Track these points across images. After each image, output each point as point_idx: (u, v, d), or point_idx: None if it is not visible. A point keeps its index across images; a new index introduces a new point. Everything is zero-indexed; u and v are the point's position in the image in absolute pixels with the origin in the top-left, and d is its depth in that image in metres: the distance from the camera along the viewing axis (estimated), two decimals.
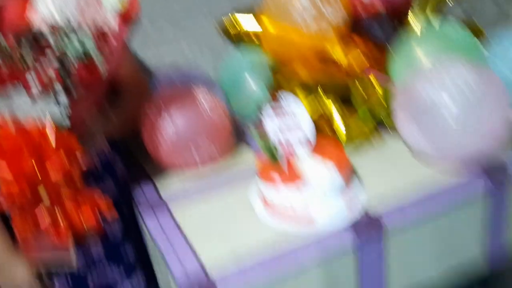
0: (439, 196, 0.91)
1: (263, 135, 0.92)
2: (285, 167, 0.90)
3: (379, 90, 1.14)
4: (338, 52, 1.27)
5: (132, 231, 1.08)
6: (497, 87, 0.94)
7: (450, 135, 0.92)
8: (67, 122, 0.84)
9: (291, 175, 0.88)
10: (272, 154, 0.91)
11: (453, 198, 0.92)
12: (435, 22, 1.28)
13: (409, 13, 1.36)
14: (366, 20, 1.32)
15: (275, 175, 0.88)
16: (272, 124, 0.92)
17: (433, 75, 0.95)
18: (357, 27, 1.31)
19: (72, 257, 0.91)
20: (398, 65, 1.16)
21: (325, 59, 1.26)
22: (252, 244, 0.83)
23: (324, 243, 0.82)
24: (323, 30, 1.17)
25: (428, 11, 1.35)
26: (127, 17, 0.92)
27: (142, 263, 1.13)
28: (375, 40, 1.34)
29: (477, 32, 1.32)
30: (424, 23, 1.30)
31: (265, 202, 0.91)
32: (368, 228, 0.84)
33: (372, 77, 1.16)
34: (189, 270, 0.79)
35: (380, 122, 1.13)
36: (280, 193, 0.86)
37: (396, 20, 1.36)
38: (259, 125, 0.93)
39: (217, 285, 0.75)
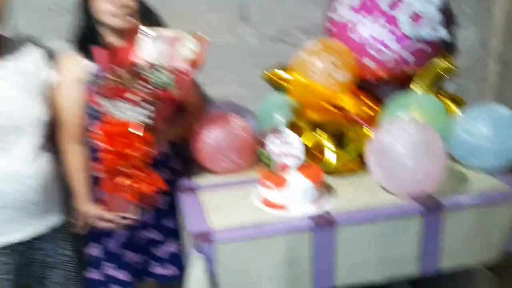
0: (383, 209, 1.31)
1: (266, 152, 1.38)
2: (277, 175, 1.34)
3: (366, 135, 1.56)
4: (343, 102, 1.72)
5: (174, 206, 1.57)
6: (437, 142, 1.33)
7: (399, 174, 1.32)
8: (149, 124, 1.35)
9: (279, 181, 1.32)
10: (268, 165, 1.36)
11: (394, 213, 1.31)
12: (424, 92, 1.69)
13: (412, 81, 1.78)
14: (370, 81, 1.75)
15: (267, 181, 1.33)
16: (273, 146, 1.38)
17: (392, 128, 1.36)
18: (363, 85, 1.75)
19: (135, 211, 1.41)
20: (383, 118, 1.57)
21: (334, 106, 1.72)
22: (245, 219, 1.28)
23: (291, 223, 1.25)
24: (334, 86, 1.60)
25: (426, 84, 1.76)
26: (195, 64, 1.42)
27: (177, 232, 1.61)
28: (375, 97, 1.77)
29: (460, 103, 1.70)
30: (418, 91, 1.71)
31: (260, 196, 1.36)
32: (323, 219, 1.26)
33: (363, 124, 1.58)
34: (199, 227, 1.25)
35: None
36: (270, 192, 1.31)
37: (394, 84, 1.78)
38: (265, 145, 1.39)
39: (213, 234, 1.21)
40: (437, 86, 1.80)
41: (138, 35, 1.44)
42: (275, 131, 1.42)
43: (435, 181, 1.34)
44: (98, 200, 1.48)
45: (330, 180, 1.49)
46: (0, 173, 1.34)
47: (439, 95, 1.73)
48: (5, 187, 1.34)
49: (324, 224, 1.26)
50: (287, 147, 1.39)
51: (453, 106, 1.67)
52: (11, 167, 1.35)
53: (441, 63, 1.76)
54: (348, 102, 1.75)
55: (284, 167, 1.37)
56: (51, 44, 1.63)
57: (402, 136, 1.31)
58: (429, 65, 1.75)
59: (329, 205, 1.35)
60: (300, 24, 1.91)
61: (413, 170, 1.29)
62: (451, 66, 1.75)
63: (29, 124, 1.39)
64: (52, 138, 1.51)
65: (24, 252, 1.43)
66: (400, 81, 1.80)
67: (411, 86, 1.79)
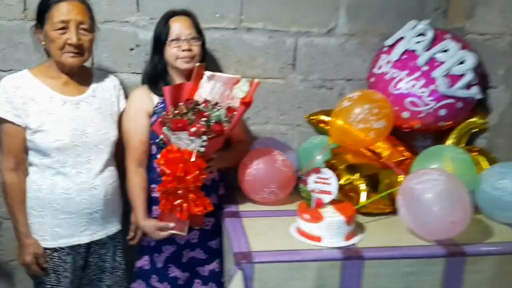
0: (409, 250, 1.44)
1: (306, 188, 1.54)
2: (314, 210, 1.50)
3: (398, 180, 1.69)
4: (380, 148, 1.87)
5: (218, 228, 1.74)
6: (463, 192, 1.45)
7: (425, 219, 1.44)
8: (203, 152, 1.54)
9: (315, 216, 1.47)
10: (308, 200, 1.52)
11: (419, 254, 1.43)
12: (457, 146, 1.82)
13: (446, 135, 1.91)
14: (406, 131, 1.90)
15: (305, 214, 1.48)
16: (313, 183, 1.54)
17: (422, 176, 1.49)
18: (400, 134, 1.90)
19: (185, 229, 1.59)
20: (415, 165, 1.71)
21: (371, 151, 1.87)
22: (282, 245, 1.43)
23: (323, 253, 1.40)
24: (371, 132, 1.76)
25: (459, 138, 1.90)
26: (246, 103, 1.61)
27: (220, 253, 1.78)
28: (410, 146, 1.91)
29: (490, 159, 1.82)
30: (450, 144, 1.84)
31: (297, 227, 1.51)
32: (352, 252, 1.40)
33: (395, 170, 1.72)
34: (242, 248, 1.42)
35: None
36: (306, 223, 1.47)
37: (429, 135, 1.92)
38: (306, 181, 1.56)
39: (253, 256, 1.36)
40: (469, 141, 1.93)
41: (201, 75, 1.67)
42: (316, 170, 1.59)
43: (459, 229, 1.45)
44: (152, 217, 1.68)
45: (361, 218, 1.64)
46: (74, 184, 1.56)
47: (471, 150, 1.86)
48: (75, 196, 1.56)
49: (353, 256, 1.40)
50: (324, 185, 1.55)
51: (483, 161, 1.79)
52: (84, 179, 1.57)
53: (474, 120, 1.90)
54: (384, 149, 1.91)
55: (320, 203, 1.52)
56: (128, 78, 1.89)
57: (431, 184, 1.45)
58: (463, 121, 1.90)
59: (359, 240, 1.48)
60: (344, 74, 2.09)
61: (439, 217, 1.41)
62: (483, 123, 1.89)
63: (105, 143, 1.62)
64: (116, 156, 1.73)
65: (84, 254, 1.64)
66: (435, 133, 1.95)
67: (447, 139, 1.93)
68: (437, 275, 1.45)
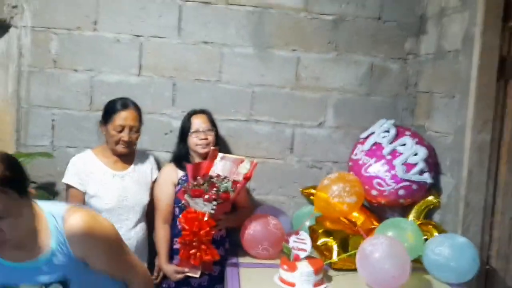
0: None
1: (288, 246, 2.04)
2: (292, 263, 1.99)
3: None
4: (355, 218, 2.37)
5: (223, 275, 2.24)
6: (404, 254, 1.92)
7: (374, 274, 1.91)
8: (213, 214, 2.08)
9: (292, 267, 1.96)
10: (288, 255, 2.02)
11: None
12: (414, 219, 2.30)
13: (411, 210, 2.40)
14: (375, 206, 2.40)
15: (284, 265, 1.98)
16: (292, 242, 2.05)
17: (373, 240, 1.97)
18: (372, 207, 2.40)
19: (198, 272, 2.11)
20: (376, 233, 2.19)
21: (348, 220, 2.37)
22: None
23: None
24: (344, 205, 2.26)
25: (417, 213, 2.38)
26: (247, 178, 2.17)
27: None
28: (378, 216, 2.40)
29: (440, 231, 2.27)
30: (408, 218, 2.32)
31: (279, 276, 2.00)
32: None
33: (363, 235, 2.20)
34: None
35: None
36: (285, 273, 1.96)
37: (395, 209, 2.41)
38: (287, 241, 2.07)
39: None
40: (428, 216, 2.41)
41: (215, 156, 2.26)
42: (295, 232, 2.10)
43: (400, 282, 1.90)
44: (174, 263, 2.22)
45: (333, 272, 2.11)
46: None
47: (427, 223, 2.33)
48: None
49: None
50: (301, 244, 2.06)
51: (433, 232, 2.25)
52: (122, 232, 2.12)
53: (430, 199, 2.39)
54: (359, 218, 2.41)
55: (297, 257, 2.02)
56: (162, 155, 2.50)
57: (378, 247, 1.92)
58: (421, 199, 2.39)
59: (325, 287, 1.96)
60: (331, 157, 2.65)
61: (383, 272, 1.88)
62: (436, 202, 2.37)
63: (140, 206, 2.20)
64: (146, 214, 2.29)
65: None
66: (400, 208, 2.44)
67: (409, 213, 2.41)
68: None
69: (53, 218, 1.34)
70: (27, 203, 1.29)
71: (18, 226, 1.25)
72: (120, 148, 2.15)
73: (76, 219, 1.33)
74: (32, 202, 1.32)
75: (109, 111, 2.16)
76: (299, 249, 2.05)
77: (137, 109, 2.21)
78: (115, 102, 2.18)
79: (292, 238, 2.09)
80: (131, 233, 2.17)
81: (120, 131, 2.13)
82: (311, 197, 2.58)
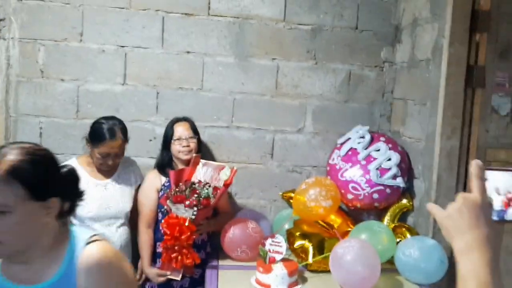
0: None
1: (264, 249, 2.13)
2: (267, 265, 2.08)
3: None
4: (333, 221, 2.46)
5: (204, 277, 2.33)
6: (374, 256, 2.01)
7: (345, 275, 2.00)
8: (194, 219, 2.17)
9: (267, 268, 2.05)
10: (264, 258, 2.11)
11: None
12: (388, 222, 2.40)
13: (386, 213, 2.49)
14: (351, 208, 2.49)
15: (260, 267, 2.07)
16: (268, 245, 2.14)
17: (345, 243, 2.07)
18: (350, 211, 2.49)
19: (179, 275, 2.19)
20: (351, 236, 2.28)
21: (326, 222, 2.46)
22: None
23: None
24: (320, 209, 2.36)
25: (391, 216, 2.47)
26: (227, 184, 2.26)
27: None
28: (356, 220, 2.49)
29: (413, 233, 2.36)
30: (383, 221, 2.42)
31: (255, 277, 2.09)
32: None
33: (339, 237, 2.29)
34: None
35: None
36: (260, 274, 2.05)
37: (370, 212, 2.50)
38: (264, 244, 2.16)
39: None
40: (401, 219, 2.50)
41: (197, 163, 2.34)
42: (272, 235, 2.19)
43: (370, 283, 2.00)
44: (156, 267, 2.31)
45: (307, 273, 2.20)
46: None
47: (401, 226, 2.42)
48: None
49: None
50: (277, 247, 2.15)
51: (406, 234, 2.34)
52: (106, 235, 2.22)
53: (404, 203, 2.48)
54: (335, 221, 2.51)
55: (273, 260, 2.11)
56: (146, 161, 2.59)
57: (349, 249, 2.02)
58: (395, 203, 2.48)
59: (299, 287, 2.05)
60: (310, 162, 2.74)
61: (353, 273, 1.97)
62: (410, 205, 2.46)
63: (122, 213, 2.29)
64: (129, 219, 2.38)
65: None
66: (375, 211, 2.53)
67: (384, 216, 2.51)
68: None
69: (75, 244, 1.21)
70: (41, 212, 1.15)
71: (17, 230, 1.11)
72: (103, 167, 2.25)
73: (95, 249, 1.19)
74: (57, 219, 1.19)
75: (97, 137, 2.20)
76: (275, 252, 2.15)
77: (124, 134, 2.26)
78: (103, 128, 2.20)
79: (268, 241, 2.18)
80: (115, 237, 2.25)
81: (105, 157, 2.21)
82: (291, 201, 2.67)
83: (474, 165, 0.80)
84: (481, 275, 0.72)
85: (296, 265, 2.12)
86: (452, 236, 0.79)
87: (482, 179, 0.79)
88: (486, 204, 0.79)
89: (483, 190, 0.79)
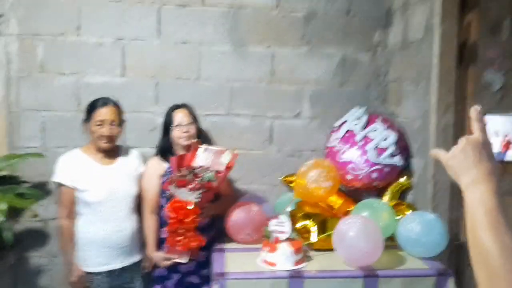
0: (337, 272, 2.04)
1: (268, 229, 2.18)
2: (272, 244, 2.13)
3: None
4: (333, 202, 2.51)
5: (209, 260, 2.37)
6: (377, 232, 2.06)
7: (349, 251, 2.05)
8: (198, 203, 2.21)
9: (273, 248, 2.10)
10: (269, 238, 2.16)
11: (344, 275, 2.03)
12: (388, 200, 2.45)
13: (385, 192, 2.54)
14: (350, 189, 2.54)
15: (265, 247, 2.11)
16: (272, 225, 2.19)
17: (347, 220, 2.12)
18: (347, 191, 2.54)
19: (186, 258, 2.24)
20: (352, 214, 2.33)
21: (327, 204, 2.51)
22: (248, 269, 2.06)
23: (277, 274, 2.01)
24: (321, 190, 2.40)
25: (391, 194, 2.52)
26: (229, 167, 2.31)
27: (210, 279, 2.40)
28: (353, 199, 2.54)
29: (413, 209, 2.42)
30: (382, 199, 2.47)
31: (261, 257, 2.14)
32: (296, 274, 2.01)
33: (340, 217, 2.34)
34: (220, 270, 2.05)
35: None
36: (266, 254, 2.10)
37: (370, 192, 2.56)
38: (268, 224, 2.20)
39: (227, 275, 1.99)
40: (401, 197, 2.55)
41: (197, 148, 2.39)
42: (275, 216, 2.24)
43: (373, 257, 2.05)
44: (161, 249, 2.35)
45: (312, 252, 2.25)
46: (110, 226, 2.25)
47: (401, 203, 2.48)
48: (112, 235, 2.26)
49: (295, 276, 2.01)
50: (281, 227, 2.19)
51: (406, 211, 2.40)
52: (116, 222, 2.26)
53: (403, 181, 2.53)
54: (336, 202, 2.56)
55: (277, 239, 2.16)
56: (148, 151, 2.63)
57: (352, 225, 2.07)
58: (394, 181, 2.53)
59: (304, 266, 2.10)
60: (309, 146, 2.79)
61: (357, 248, 2.02)
62: (408, 183, 2.52)
63: (128, 197, 2.33)
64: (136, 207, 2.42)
65: (115, 277, 2.30)
66: (375, 190, 2.59)
67: (384, 195, 2.56)
68: None
69: None
70: None
71: None
72: (102, 143, 2.27)
73: None
74: None
75: (90, 109, 2.28)
76: (279, 232, 2.19)
77: (117, 105, 2.33)
78: (96, 100, 2.30)
79: (273, 222, 2.23)
80: (125, 224, 2.30)
81: (100, 127, 2.25)
82: (291, 185, 2.72)
83: (473, 110, 0.87)
84: (488, 202, 0.79)
85: (300, 243, 2.17)
86: (458, 174, 0.86)
87: (481, 121, 0.86)
88: (487, 142, 0.86)
89: (483, 130, 0.86)
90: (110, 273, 2.30)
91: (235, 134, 2.75)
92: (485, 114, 0.87)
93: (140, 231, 2.41)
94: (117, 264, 2.30)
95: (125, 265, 2.33)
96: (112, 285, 2.31)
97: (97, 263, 2.27)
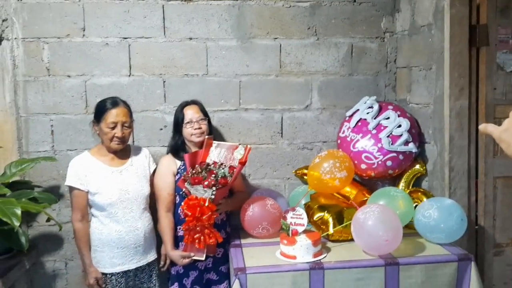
0: (358, 262, 2.02)
1: (286, 222, 2.16)
2: (291, 237, 2.11)
3: None
4: (348, 192, 2.49)
5: (226, 256, 2.35)
6: (395, 219, 2.04)
7: (368, 240, 2.03)
8: (213, 199, 2.19)
9: (291, 241, 2.08)
10: (287, 231, 2.13)
11: (365, 265, 2.00)
12: (404, 188, 2.43)
13: (400, 180, 2.52)
14: (365, 178, 2.52)
15: (284, 240, 2.09)
16: (290, 218, 2.16)
17: (366, 209, 2.09)
18: (364, 181, 2.52)
19: (203, 255, 2.22)
20: (368, 203, 2.31)
21: (341, 194, 2.49)
22: (267, 263, 2.04)
23: (297, 266, 1.99)
24: (336, 181, 2.38)
25: (406, 181, 2.50)
26: (242, 162, 2.28)
27: (229, 276, 2.38)
28: (368, 188, 2.52)
29: (429, 196, 2.39)
30: (397, 187, 2.44)
31: (279, 250, 2.12)
32: (316, 265, 1.99)
33: (357, 207, 2.32)
34: (239, 265, 2.03)
35: None
36: (285, 247, 2.07)
37: (384, 180, 2.53)
38: (285, 217, 2.18)
39: (247, 269, 1.97)
40: (416, 184, 2.53)
41: (210, 144, 2.37)
42: (292, 209, 2.22)
43: (393, 246, 2.03)
44: (178, 248, 2.33)
45: (331, 244, 2.23)
46: (123, 227, 2.24)
47: (416, 190, 2.45)
48: (126, 235, 2.24)
49: (316, 267, 1.99)
50: (298, 219, 2.17)
51: (423, 198, 2.37)
52: (130, 223, 2.25)
53: (417, 168, 2.51)
54: (351, 193, 2.53)
55: (296, 232, 2.14)
56: (158, 150, 2.61)
57: (370, 214, 2.05)
58: (408, 169, 2.51)
59: (323, 257, 2.08)
60: (320, 138, 2.76)
61: (376, 237, 2.00)
62: (423, 170, 2.49)
63: (142, 197, 2.31)
64: (149, 205, 2.40)
65: (130, 277, 2.28)
66: (390, 179, 2.56)
67: (398, 183, 2.53)
68: (379, 280, 2.01)
69: None
70: None
71: None
72: (115, 144, 2.25)
73: None
74: None
75: (101, 110, 2.25)
76: (297, 224, 2.17)
77: (127, 105, 2.30)
78: (106, 101, 2.27)
79: (289, 215, 2.21)
80: (138, 224, 2.28)
81: (113, 128, 2.23)
82: (304, 177, 2.70)
83: None
84: None
85: (318, 235, 2.15)
86: None
87: None
88: None
89: None
90: (125, 273, 2.28)
91: (245, 129, 2.72)
92: None
93: (154, 230, 2.39)
94: (132, 264, 2.29)
95: (140, 265, 2.31)
96: (128, 286, 2.29)
97: (112, 264, 2.26)
